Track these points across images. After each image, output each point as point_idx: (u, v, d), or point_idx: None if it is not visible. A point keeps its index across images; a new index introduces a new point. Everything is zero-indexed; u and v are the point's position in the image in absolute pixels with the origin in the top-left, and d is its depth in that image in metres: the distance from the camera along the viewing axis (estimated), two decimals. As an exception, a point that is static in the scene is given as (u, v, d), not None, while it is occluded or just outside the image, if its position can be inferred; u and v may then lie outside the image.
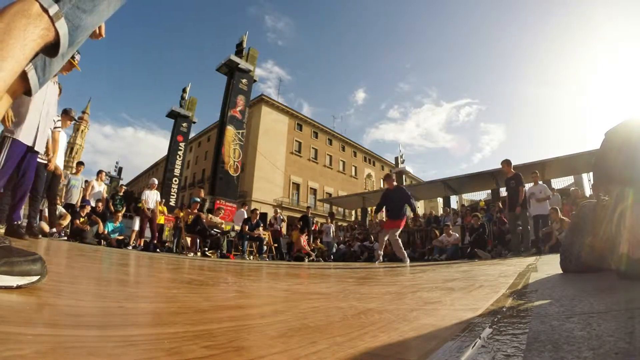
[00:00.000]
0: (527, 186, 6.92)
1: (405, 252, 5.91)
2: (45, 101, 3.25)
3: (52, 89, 3.36)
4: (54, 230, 4.95)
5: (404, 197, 5.90)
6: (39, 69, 0.76)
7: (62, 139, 4.84)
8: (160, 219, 7.70)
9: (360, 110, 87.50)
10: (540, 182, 7.26)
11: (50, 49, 0.68)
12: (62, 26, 0.65)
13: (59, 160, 4.72)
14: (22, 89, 0.76)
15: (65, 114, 4.94)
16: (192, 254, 6.93)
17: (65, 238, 6.26)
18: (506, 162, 6.51)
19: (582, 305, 0.86)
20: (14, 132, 3.09)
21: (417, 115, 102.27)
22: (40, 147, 3.38)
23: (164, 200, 7.86)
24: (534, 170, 7.39)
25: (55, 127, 4.21)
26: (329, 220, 11.96)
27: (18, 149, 3.15)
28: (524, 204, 6.34)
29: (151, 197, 7.54)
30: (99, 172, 7.97)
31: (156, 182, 8.07)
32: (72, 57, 3.64)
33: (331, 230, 11.20)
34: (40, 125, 3.27)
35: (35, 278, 0.78)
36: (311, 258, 8.73)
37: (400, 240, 5.94)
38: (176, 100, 21.93)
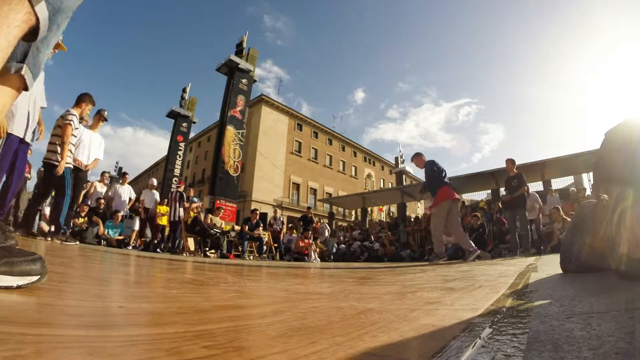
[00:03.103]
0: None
1: (442, 246, 4.90)
2: (33, 92, 3.19)
3: (38, 78, 3.32)
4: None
5: (428, 172, 5.06)
6: (30, 64, 0.75)
7: (95, 140, 4.83)
8: (163, 220, 7.70)
9: (360, 110, 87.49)
10: (531, 192, 7.37)
11: (31, 34, 0.66)
12: (42, 10, 0.64)
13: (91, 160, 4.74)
14: (21, 85, 0.75)
15: (98, 114, 4.92)
16: (191, 254, 6.94)
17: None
18: (510, 161, 6.47)
19: (582, 305, 0.86)
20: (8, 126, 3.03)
21: (416, 115, 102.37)
22: (29, 138, 3.33)
23: (165, 201, 7.85)
24: (534, 170, 7.44)
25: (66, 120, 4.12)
26: (326, 220, 12.06)
27: (14, 144, 3.12)
28: (523, 205, 6.32)
29: (150, 197, 7.55)
30: (103, 173, 8.01)
31: (155, 182, 8.09)
32: None
33: (326, 230, 11.23)
34: (30, 115, 3.23)
35: (35, 278, 0.78)
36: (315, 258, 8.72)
37: (437, 229, 4.89)
38: (176, 100, 21.92)
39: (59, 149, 4.01)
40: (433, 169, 5.03)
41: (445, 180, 4.99)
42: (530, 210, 6.79)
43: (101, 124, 5.03)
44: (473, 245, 4.77)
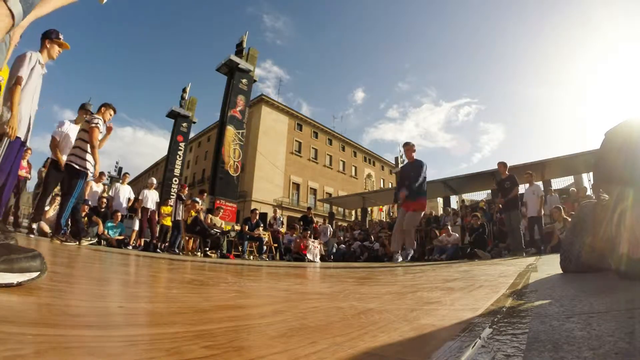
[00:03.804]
0: (523, 187, 7.10)
1: (413, 245, 5.15)
2: (35, 95, 3.16)
3: (40, 82, 3.26)
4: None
5: (418, 170, 5.00)
6: None
7: (72, 132, 4.61)
8: (167, 220, 7.71)
9: (360, 110, 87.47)
10: (535, 183, 7.45)
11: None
12: (15, 5, 0.65)
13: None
14: None
15: (82, 108, 4.71)
16: (197, 253, 6.94)
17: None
18: (502, 164, 6.78)
19: (582, 305, 0.86)
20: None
21: (416, 115, 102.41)
22: (28, 140, 3.27)
23: (168, 201, 7.89)
24: (534, 170, 7.49)
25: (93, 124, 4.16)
26: (326, 221, 12.08)
27: (16, 146, 3.11)
28: (517, 205, 6.50)
29: (150, 197, 7.55)
30: (100, 173, 7.98)
31: (155, 181, 8.10)
32: (59, 38, 3.59)
33: (329, 231, 11.24)
34: (30, 118, 3.20)
35: (35, 274, 0.78)
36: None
37: (413, 231, 5.13)
38: (176, 100, 21.90)
39: (86, 155, 4.06)
40: (424, 174, 5.05)
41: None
42: (533, 203, 6.93)
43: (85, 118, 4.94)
44: (410, 249, 5.11)
